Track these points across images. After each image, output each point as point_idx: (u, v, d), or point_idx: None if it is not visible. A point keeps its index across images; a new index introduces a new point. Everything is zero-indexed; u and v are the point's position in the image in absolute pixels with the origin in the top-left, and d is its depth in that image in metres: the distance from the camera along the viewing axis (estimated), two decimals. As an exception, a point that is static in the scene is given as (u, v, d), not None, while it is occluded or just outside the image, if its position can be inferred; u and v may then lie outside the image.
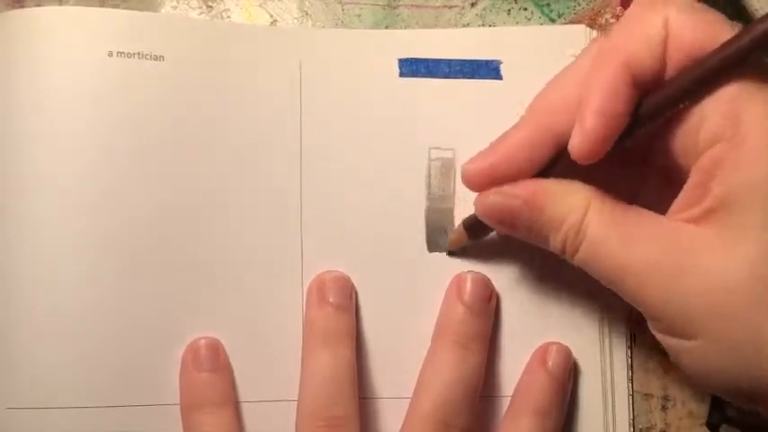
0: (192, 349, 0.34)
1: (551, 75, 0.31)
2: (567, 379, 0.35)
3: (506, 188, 0.31)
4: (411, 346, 0.34)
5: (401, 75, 0.36)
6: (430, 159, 0.35)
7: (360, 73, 0.36)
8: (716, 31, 0.27)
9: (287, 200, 0.35)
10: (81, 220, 0.34)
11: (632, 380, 0.36)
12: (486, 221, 0.32)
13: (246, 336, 0.34)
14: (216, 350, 0.34)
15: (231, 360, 0.34)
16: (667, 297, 0.28)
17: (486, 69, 0.36)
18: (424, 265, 0.35)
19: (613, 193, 0.30)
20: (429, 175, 0.35)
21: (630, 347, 0.36)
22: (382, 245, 0.35)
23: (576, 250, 0.30)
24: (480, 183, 0.31)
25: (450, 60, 0.36)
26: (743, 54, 0.26)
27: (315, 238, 0.35)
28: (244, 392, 0.34)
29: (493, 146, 0.31)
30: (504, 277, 0.35)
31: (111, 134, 0.34)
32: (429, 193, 0.35)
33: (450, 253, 0.35)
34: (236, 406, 0.34)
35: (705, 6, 0.28)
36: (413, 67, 0.36)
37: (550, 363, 0.34)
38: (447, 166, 0.35)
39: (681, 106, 0.28)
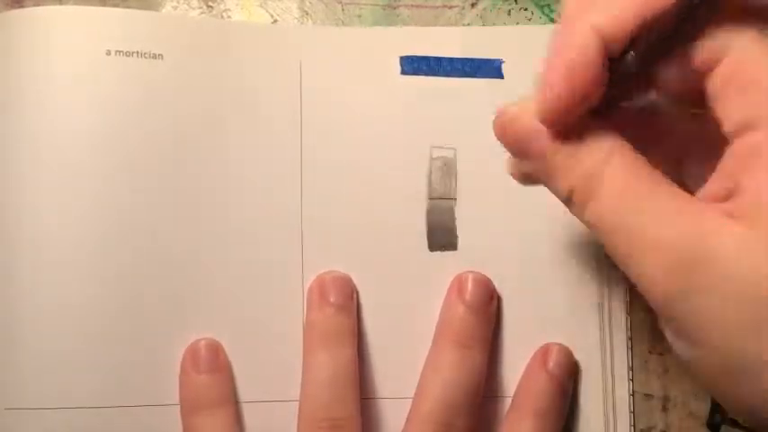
0: (192, 350, 0.33)
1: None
2: (568, 379, 0.35)
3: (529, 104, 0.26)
4: (412, 347, 0.34)
5: (402, 73, 0.36)
6: (431, 158, 0.35)
7: (360, 71, 0.36)
8: None
9: (287, 199, 0.35)
10: (81, 220, 0.33)
11: (633, 380, 0.36)
12: (500, 140, 0.27)
13: (247, 336, 0.34)
14: (215, 351, 0.34)
15: (232, 360, 0.34)
16: (681, 290, 0.23)
17: (488, 68, 0.36)
18: (425, 265, 0.35)
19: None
20: (430, 174, 0.35)
21: (631, 348, 0.36)
22: (383, 244, 0.35)
23: (588, 199, 0.25)
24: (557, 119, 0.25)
25: (451, 59, 0.36)
26: None
27: (315, 237, 0.35)
28: (245, 393, 0.34)
29: (551, 69, 0.25)
30: (505, 278, 0.35)
31: (111, 133, 0.34)
32: (430, 192, 0.35)
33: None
34: (235, 407, 0.34)
35: None
36: (414, 65, 0.36)
37: (551, 363, 0.34)
38: (448, 165, 0.35)
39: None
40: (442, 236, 0.35)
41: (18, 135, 0.34)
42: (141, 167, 0.34)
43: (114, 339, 0.33)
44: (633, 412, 0.35)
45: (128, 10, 0.35)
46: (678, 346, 0.24)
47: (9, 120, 0.34)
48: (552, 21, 0.37)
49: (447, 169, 0.35)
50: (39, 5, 0.35)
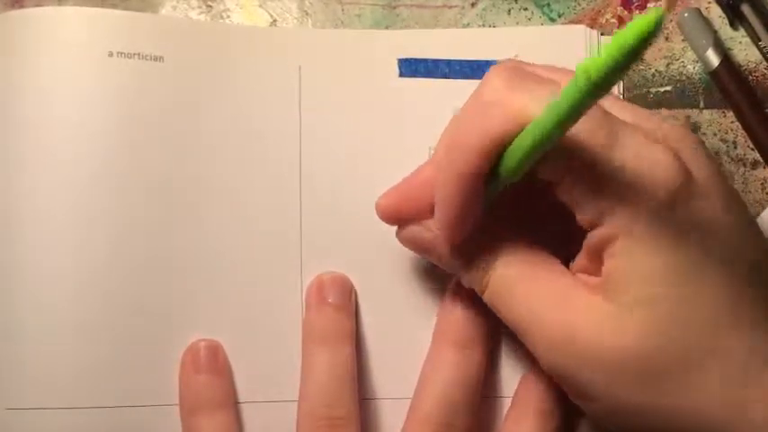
0: (192, 351, 0.34)
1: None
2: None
3: (426, 221, 0.31)
4: (411, 346, 0.34)
5: (401, 75, 0.36)
6: (429, 160, 0.35)
7: (359, 73, 0.36)
8: None
9: (286, 200, 0.35)
10: (81, 221, 0.34)
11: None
12: (406, 247, 0.33)
13: (247, 336, 0.34)
14: (215, 352, 0.34)
15: (231, 361, 0.34)
16: (563, 360, 0.29)
17: (486, 70, 0.35)
18: (424, 265, 0.35)
19: (530, 231, 0.31)
20: (429, 176, 0.35)
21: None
22: (382, 245, 0.35)
23: (483, 293, 0.31)
24: (391, 219, 0.32)
25: (449, 61, 0.36)
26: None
27: (314, 238, 0.35)
28: (244, 393, 0.34)
29: (404, 182, 0.32)
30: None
31: (111, 135, 0.34)
32: (429, 193, 0.35)
33: None
34: (235, 408, 0.34)
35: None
36: (412, 68, 0.36)
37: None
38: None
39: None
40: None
41: (18, 136, 0.34)
42: (141, 169, 0.34)
43: (114, 339, 0.33)
44: (633, 412, 0.35)
45: (129, 12, 0.35)
46: (575, 401, 0.30)
47: (9, 120, 0.34)
48: (552, 20, 0.37)
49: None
50: (39, 6, 0.35)
